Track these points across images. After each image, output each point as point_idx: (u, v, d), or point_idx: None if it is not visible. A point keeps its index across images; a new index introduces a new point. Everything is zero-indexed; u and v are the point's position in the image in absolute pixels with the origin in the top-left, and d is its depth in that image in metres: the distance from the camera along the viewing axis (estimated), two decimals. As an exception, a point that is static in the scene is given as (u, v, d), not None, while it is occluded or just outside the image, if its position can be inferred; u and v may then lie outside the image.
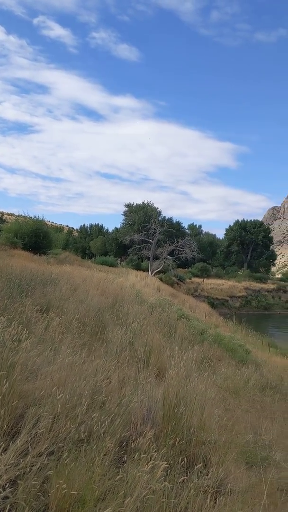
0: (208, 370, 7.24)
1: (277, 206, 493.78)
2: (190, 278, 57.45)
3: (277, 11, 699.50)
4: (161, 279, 43.80)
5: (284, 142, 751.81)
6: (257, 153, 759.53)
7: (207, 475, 3.54)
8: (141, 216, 65.89)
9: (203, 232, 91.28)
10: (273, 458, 3.92)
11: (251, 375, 8.54)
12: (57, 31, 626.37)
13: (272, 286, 65.06)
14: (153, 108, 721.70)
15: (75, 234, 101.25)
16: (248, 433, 4.37)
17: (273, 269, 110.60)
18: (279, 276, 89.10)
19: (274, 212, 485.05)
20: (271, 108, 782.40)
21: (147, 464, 3.10)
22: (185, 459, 3.63)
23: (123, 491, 2.88)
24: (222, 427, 4.24)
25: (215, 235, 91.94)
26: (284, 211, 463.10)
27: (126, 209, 74.02)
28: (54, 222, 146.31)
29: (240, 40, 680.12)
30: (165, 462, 3.17)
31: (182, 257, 48.43)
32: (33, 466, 3.00)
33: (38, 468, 2.98)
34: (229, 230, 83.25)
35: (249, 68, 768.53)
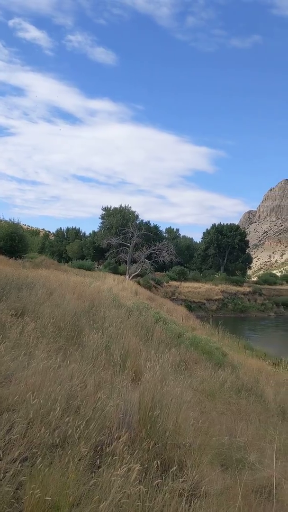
0: (184, 373, 7.27)
1: (252, 210, 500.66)
2: (167, 282, 57.59)
3: (251, 18, 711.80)
4: (138, 283, 43.78)
5: (259, 147, 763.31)
6: (233, 158, 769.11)
7: (182, 478, 3.55)
8: (119, 220, 65.85)
9: (181, 235, 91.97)
10: (248, 460, 3.95)
11: (227, 377, 8.60)
12: (32, 33, 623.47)
13: (248, 289, 65.82)
14: (130, 112, 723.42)
15: (52, 237, 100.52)
16: (223, 436, 4.40)
17: (249, 272, 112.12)
18: (255, 279, 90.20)
19: (250, 216, 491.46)
20: (247, 114, 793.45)
21: (121, 468, 3.09)
22: (160, 463, 3.63)
23: (97, 496, 2.86)
24: (198, 430, 4.26)
25: (192, 239, 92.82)
26: (259, 215, 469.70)
27: (104, 212, 73.93)
28: (30, 226, 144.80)
29: (215, 46, 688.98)
30: (139, 465, 3.16)
31: (160, 260, 48.54)
32: (6, 472, 2.96)
33: (12, 475, 2.93)
34: (206, 234, 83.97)
35: (224, 74, 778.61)
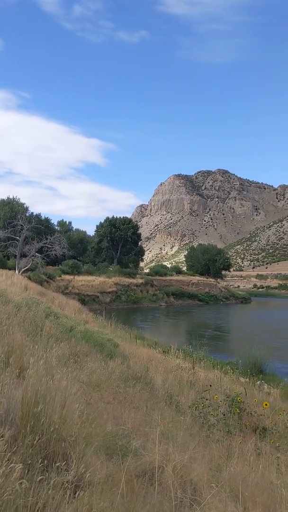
0: (73, 366, 7.24)
1: (144, 204, 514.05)
2: (60, 276, 56.81)
3: (138, 12, 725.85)
4: (29, 278, 42.55)
5: (148, 142, 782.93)
6: (124, 151, 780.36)
7: (67, 471, 3.53)
8: (7, 212, 63.26)
9: (73, 228, 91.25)
10: (132, 446, 4.06)
11: (116, 368, 8.76)
12: None
13: (140, 281, 67.60)
14: (16, 99, 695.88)
15: None
16: (109, 425, 4.47)
17: (142, 264, 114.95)
18: (147, 271, 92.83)
19: (142, 210, 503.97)
20: (134, 108, 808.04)
21: (2, 466, 2.99)
22: (45, 457, 3.58)
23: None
24: (84, 421, 4.28)
25: (85, 232, 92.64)
26: (151, 209, 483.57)
27: (-11, 204, 70.39)
28: None
29: (103, 37, 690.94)
30: (21, 463, 3.08)
31: (52, 254, 47.62)
32: None
33: None
34: (99, 227, 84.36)
35: (113, 66, 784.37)
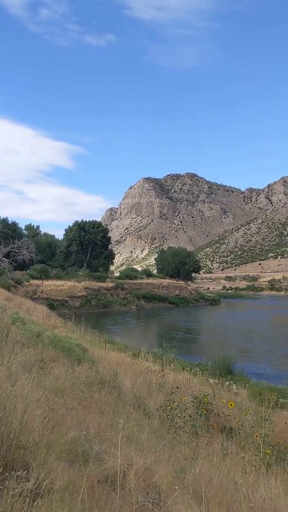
0: (39, 372, 7.12)
1: (114, 207, 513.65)
2: (28, 281, 55.94)
3: (105, 16, 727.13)
4: (-4, 283, 41.77)
5: (117, 146, 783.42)
6: (92, 154, 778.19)
7: (27, 479, 3.45)
8: (-28, 217, 62.04)
9: (42, 233, 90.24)
10: (95, 451, 4.01)
11: (83, 372, 8.66)
12: None
13: (110, 285, 67.36)
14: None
15: None
16: (71, 430, 4.40)
17: (112, 268, 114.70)
18: (118, 274, 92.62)
19: (112, 213, 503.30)
20: (103, 112, 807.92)
21: None
22: (5, 466, 3.48)
23: None
24: (45, 428, 4.19)
25: (54, 236, 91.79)
26: (120, 212, 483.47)
27: None
28: None
29: (70, 40, 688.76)
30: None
31: (20, 259, 46.85)
32: None
33: None
34: (68, 231, 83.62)
35: (81, 69, 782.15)
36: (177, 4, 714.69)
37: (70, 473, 3.53)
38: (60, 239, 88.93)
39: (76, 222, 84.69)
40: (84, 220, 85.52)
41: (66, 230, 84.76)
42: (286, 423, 8.46)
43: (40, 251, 70.26)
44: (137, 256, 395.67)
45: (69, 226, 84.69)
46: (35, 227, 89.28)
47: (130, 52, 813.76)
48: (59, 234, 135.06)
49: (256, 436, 6.43)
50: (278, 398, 12.73)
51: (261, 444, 6.14)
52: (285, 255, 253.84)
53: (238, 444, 6.66)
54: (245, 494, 4.13)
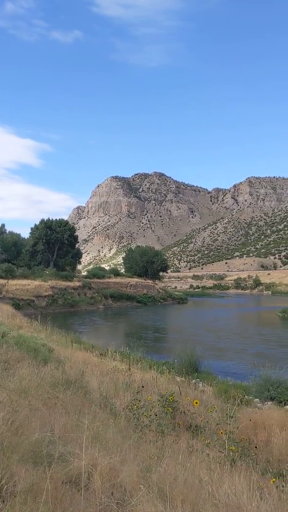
0: (2, 373, 7.00)
1: (81, 206, 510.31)
2: (-7, 280, 54.88)
3: (72, 12, 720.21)
4: None
5: (85, 144, 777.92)
6: (59, 152, 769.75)
7: (-11, 484, 3.38)
8: None
9: (7, 231, 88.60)
10: (59, 452, 3.96)
11: (49, 373, 8.56)
12: None
13: (78, 284, 66.84)
14: None
15: None
16: (37, 432, 4.33)
17: (79, 267, 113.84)
18: (85, 273, 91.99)
19: (79, 212, 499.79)
20: (70, 110, 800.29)
21: None
22: None
23: None
24: (9, 430, 4.12)
25: (20, 235, 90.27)
26: (88, 211, 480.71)
27: None
28: None
29: (36, 36, 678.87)
30: None
31: (-16, 258, 45.94)
32: None
33: None
34: (34, 229, 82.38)
35: (48, 65, 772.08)
36: (145, 2, 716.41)
37: (33, 475, 3.48)
38: (26, 238, 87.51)
39: (43, 220, 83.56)
40: (51, 218, 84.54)
41: (32, 228, 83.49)
42: (250, 420, 8.62)
43: (6, 250, 69.20)
44: (104, 255, 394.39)
45: (35, 225, 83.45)
46: (0, 225, 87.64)
47: (97, 50, 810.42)
48: (26, 233, 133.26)
49: (221, 433, 6.51)
50: (242, 395, 12.96)
51: (226, 441, 6.22)
52: (250, 254, 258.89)
53: (203, 441, 6.72)
54: (209, 491, 4.18)
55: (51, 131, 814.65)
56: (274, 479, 5.47)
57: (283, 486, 5.37)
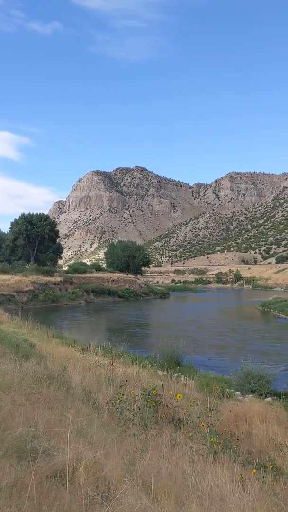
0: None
1: (62, 200, 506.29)
2: (-28, 275, 54.18)
3: (51, 3, 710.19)
4: None
5: (66, 137, 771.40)
6: (39, 146, 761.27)
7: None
8: None
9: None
10: (43, 447, 3.97)
11: (32, 368, 8.53)
12: None
13: (59, 279, 66.36)
14: None
15: None
16: (20, 427, 4.32)
17: (60, 262, 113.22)
18: (66, 268, 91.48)
19: (60, 206, 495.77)
20: (50, 102, 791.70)
21: None
22: None
23: None
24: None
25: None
26: (69, 205, 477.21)
27: None
28: None
29: (14, 26, 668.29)
30: None
31: None
32: None
33: None
34: (14, 224, 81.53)
35: (26, 56, 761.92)
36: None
37: (18, 470, 3.48)
38: (6, 233, 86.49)
39: (23, 215, 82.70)
40: (31, 213, 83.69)
41: (12, 223, 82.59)
42: (230, 411, 8.74)
43: (-15, 245, 68.03)
44: (86, 250, 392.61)
45: (15, 219, 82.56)
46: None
47: (76, 41, 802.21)
48: (5, 228, 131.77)
49: (203, 425, 6.58)
50: (224, 388, 13.11)
51: (208, 434, 6.30)
52: (231, 249, 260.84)
53: (186, 434, 6.80)
54: (193, 483, 4.23)
55: (31, 124, 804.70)
56: (255, 470, 5.57)
57: (263, 477, 5.47)
